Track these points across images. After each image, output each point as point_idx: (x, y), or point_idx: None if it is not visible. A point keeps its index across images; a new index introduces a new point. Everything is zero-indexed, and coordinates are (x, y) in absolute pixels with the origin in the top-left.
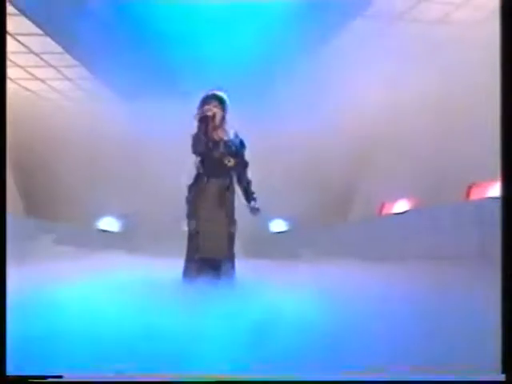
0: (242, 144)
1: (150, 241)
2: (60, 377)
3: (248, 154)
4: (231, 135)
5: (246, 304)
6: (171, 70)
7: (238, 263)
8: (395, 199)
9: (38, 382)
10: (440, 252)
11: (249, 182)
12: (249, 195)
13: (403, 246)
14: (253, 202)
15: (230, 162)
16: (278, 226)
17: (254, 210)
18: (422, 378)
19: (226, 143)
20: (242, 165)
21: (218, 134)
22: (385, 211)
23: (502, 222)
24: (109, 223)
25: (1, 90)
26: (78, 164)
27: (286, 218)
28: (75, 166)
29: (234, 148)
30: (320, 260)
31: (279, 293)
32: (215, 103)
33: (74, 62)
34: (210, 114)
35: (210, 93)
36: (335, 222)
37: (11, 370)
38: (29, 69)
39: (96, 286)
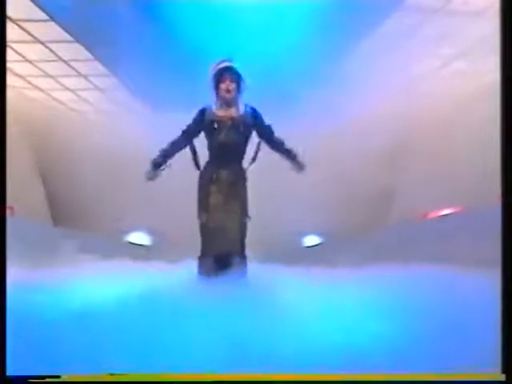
0: (254, 116)
1: (174, 254)
2: (58, 377)
3: (276, 165)
4: (241, 111)
5: (254, 302)
6: (204, 82)
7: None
8: (435, 206)
9: (37, 382)
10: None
11: (282, 142)
12: (289, 153)
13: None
14: (296, 159)
15: (228, 137)
16: (311, 240)
17: (299, 166)
18: (422, 379)
19: (234, 121)
20: (266, 133)
21: (228, 113)
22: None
23: (502, 225)
24: (139, 237)
25: (1, 90)
26: (109, 176)
27: (319, 233)
28: (106, 178)
29: (242, 127)
30: (356, 266)
31: (291, 294)
32: (232, 78)
33: (103, 70)
34: (228, 96)
35: (224, 65)
36: (372, 230)
37: (11, 370)
38: (59, 78)
39: (97, 287)
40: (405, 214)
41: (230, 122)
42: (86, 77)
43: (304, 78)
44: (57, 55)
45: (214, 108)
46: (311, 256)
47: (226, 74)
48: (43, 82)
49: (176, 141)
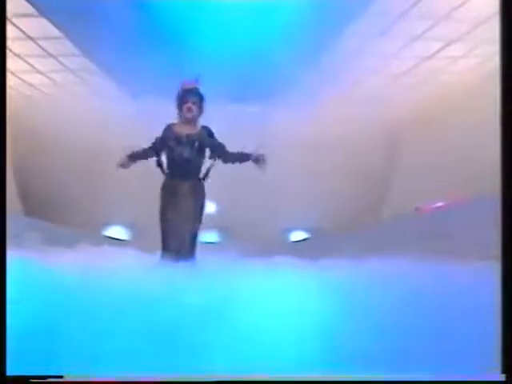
0: (208, 134)
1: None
2: (61, 377)
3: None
4: (197, 129)
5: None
6: (179, 69)
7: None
8: (430, 199)
9: (38, 382)
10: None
11: (234, 153)
12: (243, 156)
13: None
14: (254, 157)
15: (186, 153)
16: (298, 235)
17: (259, 161)
18: (421, 378)
19: (189, 137)
20: (218, 151)
21: (184, 130)
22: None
23: (502, 221)
24: (116, 231)
25: (1, 88)
26: (84, 168)
27: (306, 228)
28: (81, 169)
29: (197, 143)
30: (344, 261)
31: (271, 288)
32: (194, 99)
33: (75, 50)
34: (189, 116)
35: (188, 87)
36: (363, 225)
37: (11, 370)
38: (27, 58)
39: (97, 285)
40: (397, 208)
41: (185, 139)
42: (56, 57)
43: (294, 67)
44: (25, 33)
45: (175, 124)
46: (297, 250)
47: (189, 96)
48: (9, 63)
49: (146, 150)
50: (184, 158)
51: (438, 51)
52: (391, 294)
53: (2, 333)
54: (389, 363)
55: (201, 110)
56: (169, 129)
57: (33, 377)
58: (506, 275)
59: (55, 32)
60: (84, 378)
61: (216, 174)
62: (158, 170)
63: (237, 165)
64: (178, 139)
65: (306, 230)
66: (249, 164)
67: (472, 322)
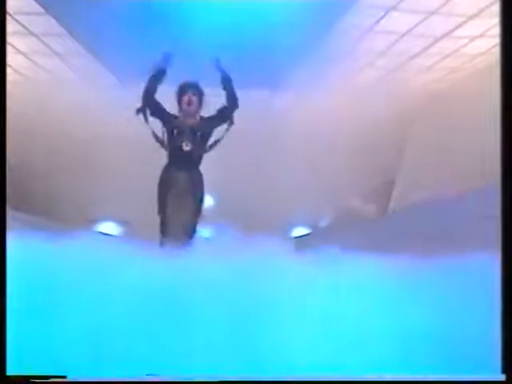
0: (210, 125)
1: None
2: (64, 377)
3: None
4: (198, 119)
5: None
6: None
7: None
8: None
9: (40, 382)
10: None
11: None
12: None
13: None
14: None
15: (188, 146)
16: (299, 231)
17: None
18: (422, 378)
19: (192, 129)
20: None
21: (187, 122)
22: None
23: (502, 219)
24: (108, 227)
25: (1, 86)
26: (76, 160)
27: (308, 224)
28: (73, 162)
29: (199, 134)
30: (345, 257)
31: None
32: (194, 91)
33: (60, 29)
34: (189, 109)
35: (187, 81)
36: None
37: (11, 369)
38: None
39: (98, 284)
40: (405, 201)
41: (188, 130)
42: (38, 37)
43: (299, 52)
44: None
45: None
46: (298, 246)
47: (189, 88)
48: None
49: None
50: (185, 151)
51: (438, 39)
52: (391, 293)
53: (2, 332)
54: (388, 363)
55: (201, 104)
56: (169, 115)
57: (34, 376)
58: (506, 276)
59: (38, 8)
60: (87, 378)
61: (214, 167)
62: (152, 165)
63: (237, 158)
64: (181, 131)
65: (307, 225)
66: (250, 158)
67: (472, 322)
